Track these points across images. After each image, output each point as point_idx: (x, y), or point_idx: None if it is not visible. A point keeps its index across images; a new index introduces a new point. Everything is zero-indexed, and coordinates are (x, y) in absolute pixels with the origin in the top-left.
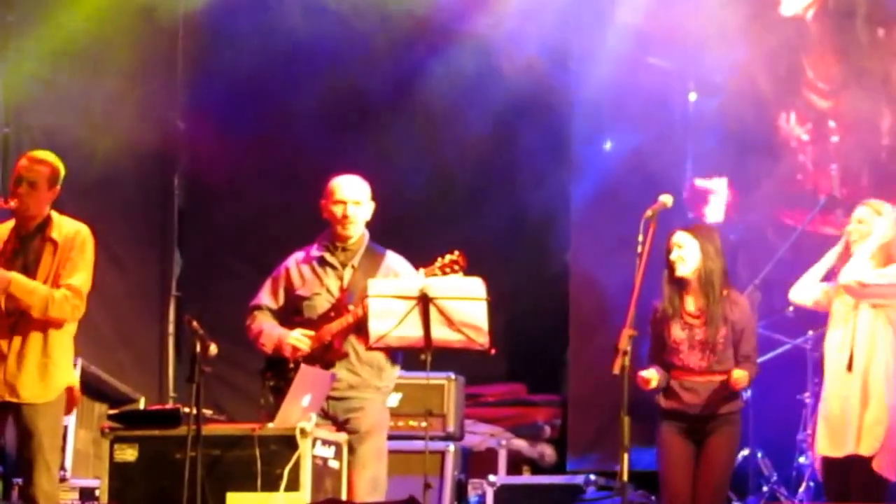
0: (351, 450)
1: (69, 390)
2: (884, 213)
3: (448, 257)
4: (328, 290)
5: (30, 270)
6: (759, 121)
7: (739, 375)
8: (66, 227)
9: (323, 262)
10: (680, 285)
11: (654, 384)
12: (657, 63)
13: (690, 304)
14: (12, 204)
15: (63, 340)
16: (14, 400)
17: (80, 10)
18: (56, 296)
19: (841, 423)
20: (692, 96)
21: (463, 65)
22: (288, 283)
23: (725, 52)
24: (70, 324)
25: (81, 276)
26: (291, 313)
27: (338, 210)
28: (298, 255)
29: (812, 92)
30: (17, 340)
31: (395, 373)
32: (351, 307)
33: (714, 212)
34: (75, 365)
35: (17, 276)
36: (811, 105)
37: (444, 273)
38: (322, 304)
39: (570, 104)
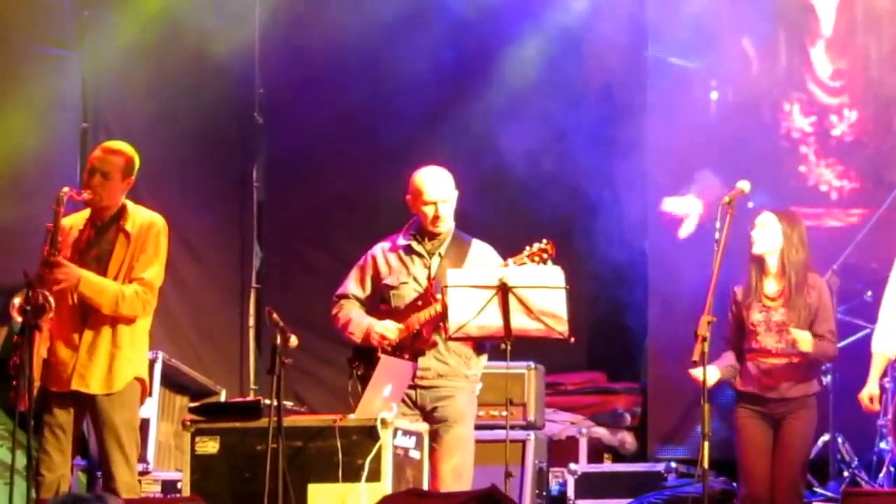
0: (438, 438)
1: (140, 382)
2: None
3: (537, 245)
4: (415, 279)
5: (103, 261)
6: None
7: (799, 335)
8: (140, 218)
9: (410, 250)
10: (760, 267)
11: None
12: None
13: (768, 286)
14: (86, 195)
15: (134, 333)
16: (85, 390)
17: (155, 3)
18: (126, 293)
19: None
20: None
21: (542, 60)
22: (375, 272)
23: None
24: (143, 318)
25: (154, 270)
26: (378, 302)
27: (429, 211)
28: (384, 244)
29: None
30: (88, 332)
31: (482, 362)
32: (438, 296)
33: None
34: (155, 358)
35: (87, 275)
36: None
37: (533, 262)
38: (409, 293)
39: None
